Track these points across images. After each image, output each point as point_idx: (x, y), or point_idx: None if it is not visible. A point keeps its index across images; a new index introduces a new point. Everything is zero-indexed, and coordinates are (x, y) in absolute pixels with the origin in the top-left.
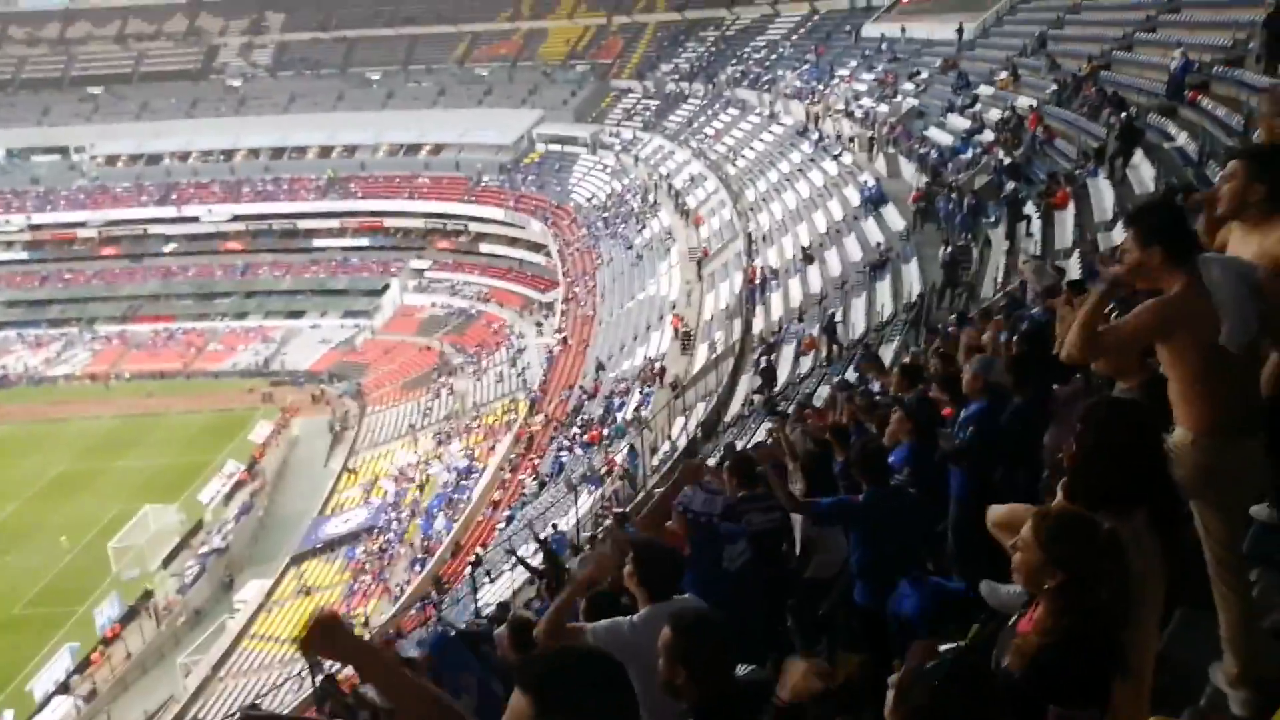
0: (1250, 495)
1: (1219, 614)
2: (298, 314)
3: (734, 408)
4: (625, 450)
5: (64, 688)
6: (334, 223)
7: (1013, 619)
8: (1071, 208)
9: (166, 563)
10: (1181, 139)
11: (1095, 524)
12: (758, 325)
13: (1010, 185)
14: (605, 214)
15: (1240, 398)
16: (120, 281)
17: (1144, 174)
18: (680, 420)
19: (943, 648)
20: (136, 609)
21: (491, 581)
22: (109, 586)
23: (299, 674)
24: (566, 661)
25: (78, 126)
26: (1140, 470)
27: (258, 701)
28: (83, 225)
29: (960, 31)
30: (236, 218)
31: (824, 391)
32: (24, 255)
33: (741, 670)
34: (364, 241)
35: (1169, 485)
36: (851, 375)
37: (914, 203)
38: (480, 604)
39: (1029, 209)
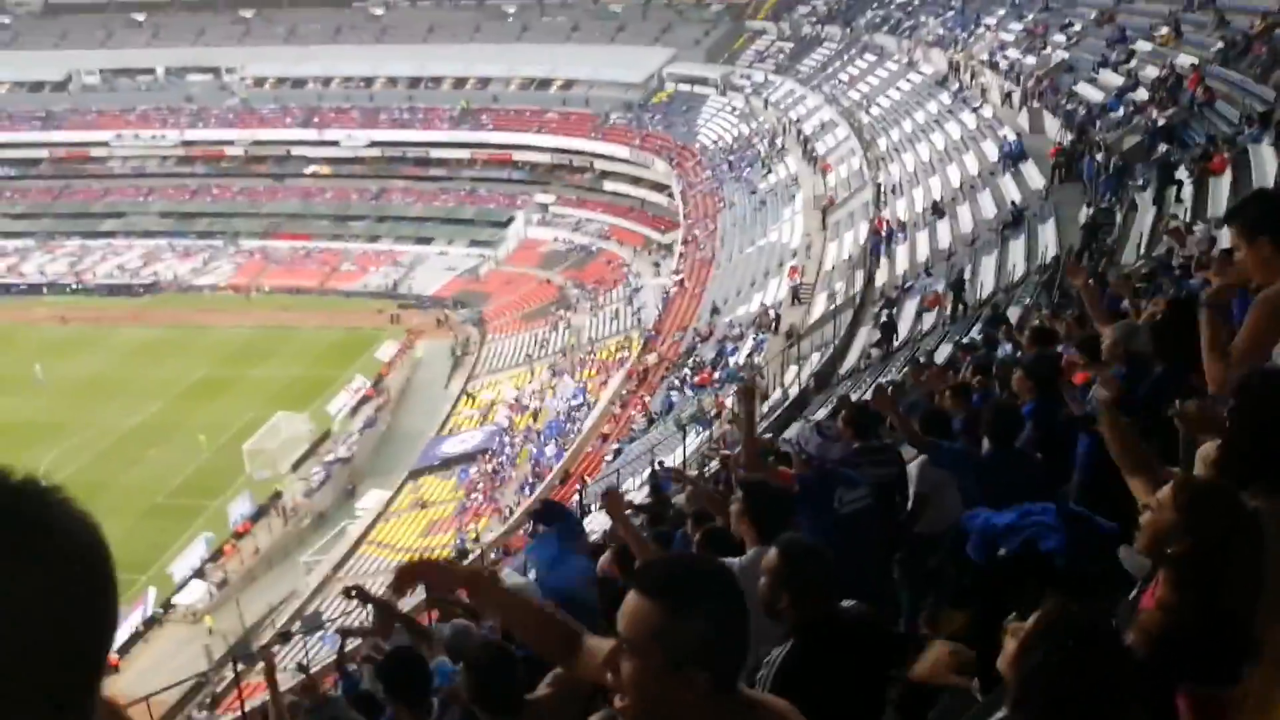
0: None
1: None
2: (426, 240)
3: (850, 360)
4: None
5: (199, 573)
6: (464, 153)
7: (1132, 594)
8: (1229, 175)
9: (295, 467)
10: None
11: (1239, 499)
12: (880, 278)
13: (1163, 148)
14: (731, 157)
15: None
16: (263, 199)
17: None
18: (794, 369)
19: (1077, 607)
20: (266, 508)
21: (598, 510)
22: (242, 485)
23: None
24: (690, 566)
25: (229, 48)
26: None
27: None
28: (230, 144)
29: None
30: (374, 143)
31: (945, 350)
32: (177, 169)
33: (847, 604)
34: (493, 173)
35: None
36: (976, 335)
37: (1052, 157)
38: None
39: (1181, 174)
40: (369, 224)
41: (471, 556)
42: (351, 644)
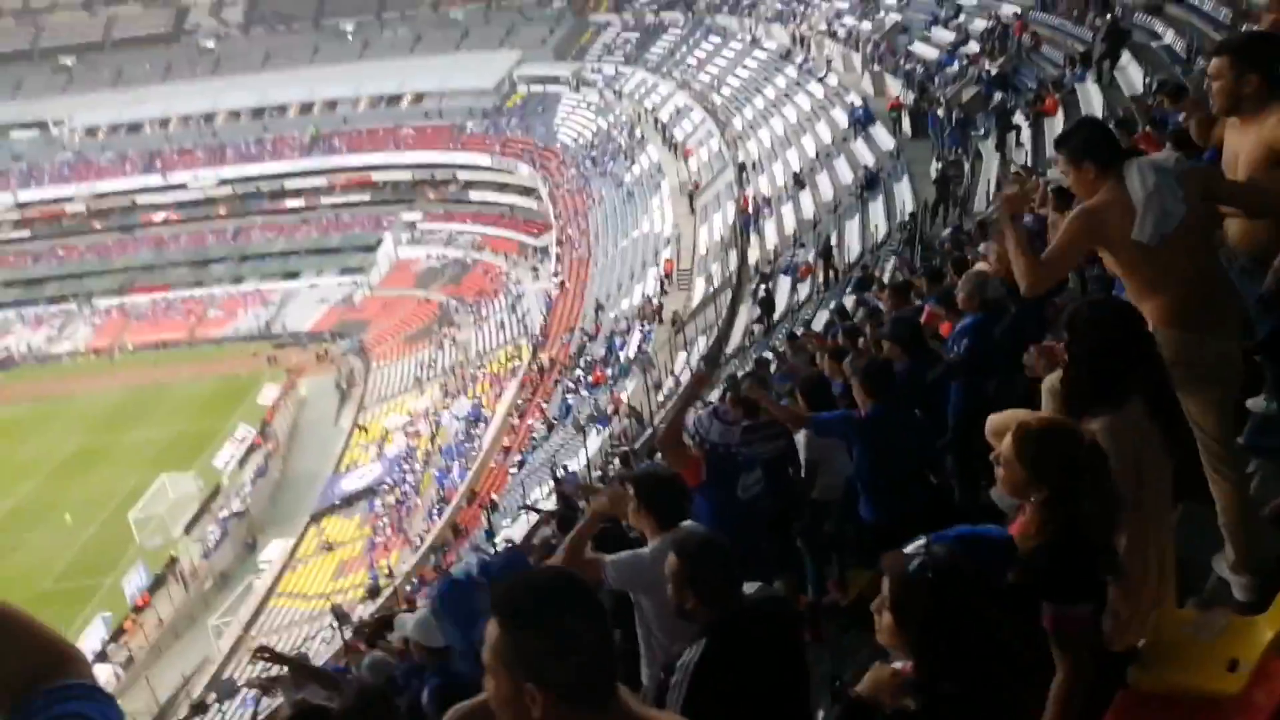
0: (1227, 386)
1: (1215, 500)
2: (294, 274)
3: (735, 339)
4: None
5: (101, 656)
6: (321, 180)
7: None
8: (1061, 115)
9: (189, 529)
10: (1169, 37)
11: (1076, 436)
12: (754, 255)
13: (998, 96)
14: (593, 153)
15: (1195, 290)
16: (113, 254)
17: (1132, 75)
18: (682, 355)
19: (909, 548)
20: (164, 576)
21: (510, 525)
22: (134, 556)
23: (329, 626)
24: (531, 582)
25: (53, 99)
26: (1128, 361)
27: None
28: (70, 200)
29: None
30: (223, 181)
31: (823, 316)
32: (14, 234)
33: (750, 588)
34: (353, 197)
35: (1162, 374)
36: (849, 300)
37: (891, 110)
38: (499, 546)
39: (1018, 119)
40: (230, 265)
41: (386, 593)
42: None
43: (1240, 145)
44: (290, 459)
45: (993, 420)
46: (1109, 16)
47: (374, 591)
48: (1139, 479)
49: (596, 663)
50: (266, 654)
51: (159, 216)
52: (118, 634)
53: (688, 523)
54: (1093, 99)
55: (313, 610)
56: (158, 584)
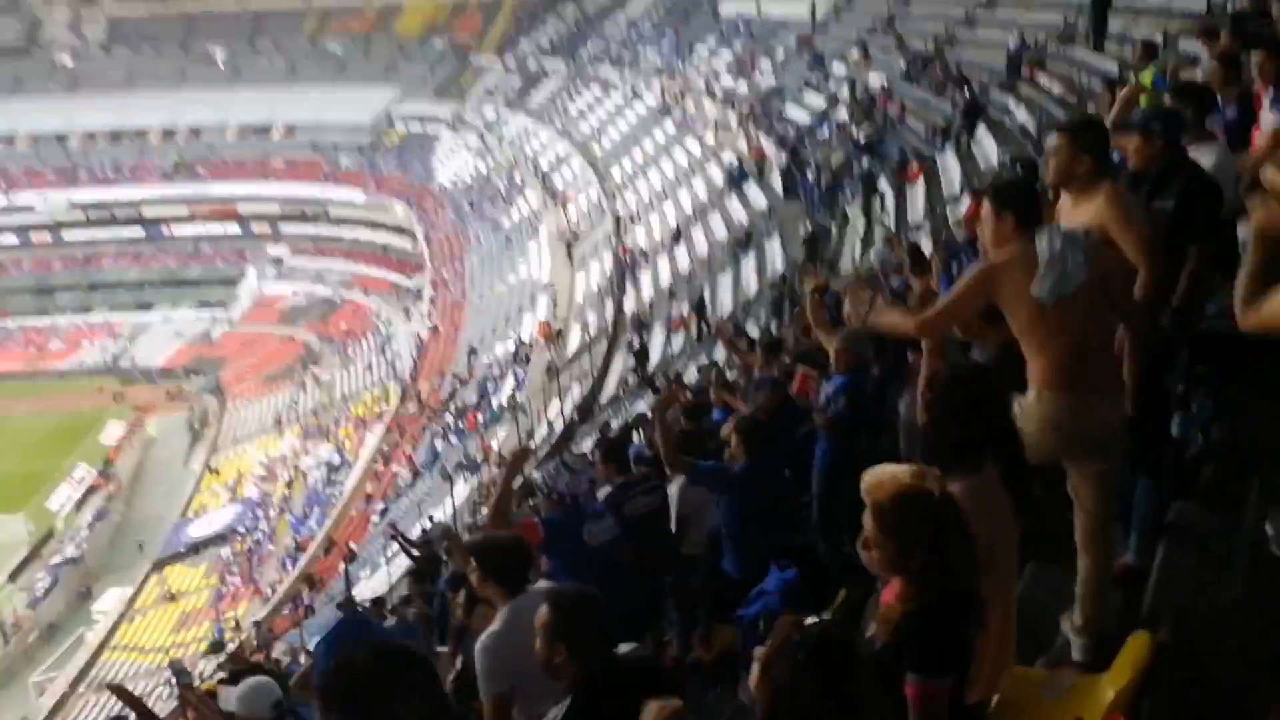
0: (1111, 454)
1: (1080, 568)
2: (146, 306)
3: (609, 389)
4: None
5: None
6: (182, 209)
7: (880, 587)
8: (922, 183)
9: (14, 576)
10: (1021, 114)
11: (929, 495)
12: (630, 305)
13: (865, 162)
14: (471, 195)
15: (1082, 354)
16: None
17: (988, 148)
18: (556, 403)
19: (808, 621)
20: None
21: (369, 576)
22: None
23: (166, 682)
24: (352, 665)
25: None
26: (984, 427)
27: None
28: None
29: (814, 10)
30: (75, 205)
31: (694, 370)
32: None
33: (623, 648)
34: (216, 229)
35: (1015, 441)
36: (719, 355)
37: (755, 159)
38: (359, 599)
39: (883, 185)
40: (78, 294)
41: (230, 646)
42: None
43: (1074, 220)
44: (134, 502)
45: (869, 477)
46: (966, 92)
47: (218, 646)
48: (992, 540)
49: None
50: (119, 692)
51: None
52: None
53: (539, 585)
54: (951, 170)
55: (150, 664)
56: None
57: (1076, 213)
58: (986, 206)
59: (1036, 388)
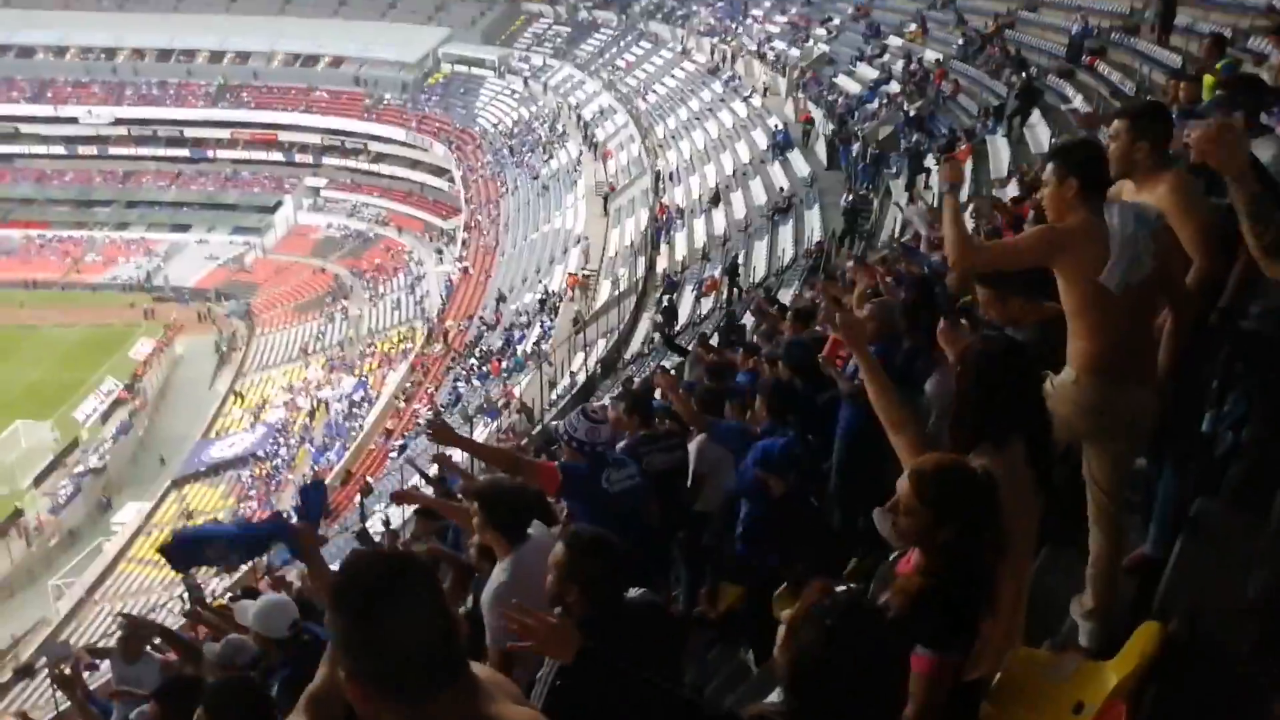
0: (1136, 441)
1: (1090, 549)
2: (183, 227)
3: (634, 345)
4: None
5: None
6: (224, 133)
7: (892, 556)
8: (970, 163)
9: (38, 481)
10: (1077, 101)
11: (971, 469)
12: (662, 264)
13: (913, 137)
14: (511, 141)
15: (1129, 342)
16: None
17: (1040, 134)
18: (580, 356)
19: (838, 589)
20: (6, 527)
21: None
22: None
23: (179, 596)
24: (364, 566)
25: None
26: (1015, 404)
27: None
28: None
29: None
30: (119, 121)
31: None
32: None
33: (632, 592)
34: (257, 154)
35: (1044, 420)
36: (749, 319)
37: (801, 121)
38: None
39: (929, 162)
40: (116, 210)
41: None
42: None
43: None
44: (157, 419)
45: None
46: (1024, 75)
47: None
48: (1011, 518)
49: (418, 659)
50: (127, 621)
51: (44, 148)
52: None
53: (536, 529)
54: (1001, 152)
55: (164, 579)
56: None
57: (1139, 198)
58: (1049, 171)
59: (1077, 371)
